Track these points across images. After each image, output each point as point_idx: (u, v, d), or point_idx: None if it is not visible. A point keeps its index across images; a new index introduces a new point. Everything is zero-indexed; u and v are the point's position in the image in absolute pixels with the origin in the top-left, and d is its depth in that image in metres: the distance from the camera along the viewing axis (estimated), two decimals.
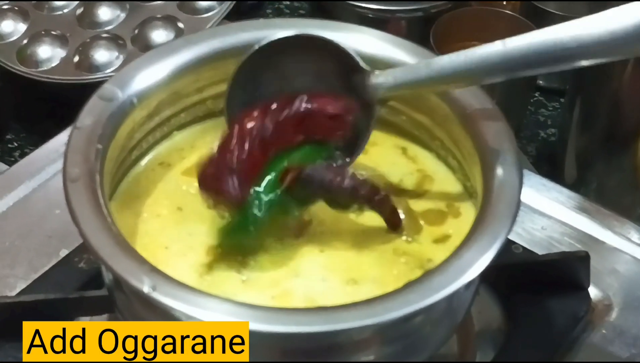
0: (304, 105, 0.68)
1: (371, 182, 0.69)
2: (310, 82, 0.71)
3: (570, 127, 1.05)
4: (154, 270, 0.59)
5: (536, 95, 1.20)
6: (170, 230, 0.70)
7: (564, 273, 0.78)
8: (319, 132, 0.69)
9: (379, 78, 0.70)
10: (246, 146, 0.66)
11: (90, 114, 0.68)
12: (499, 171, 0.66)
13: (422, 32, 1.08)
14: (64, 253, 0.80)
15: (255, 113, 0.67)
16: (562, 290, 0.78)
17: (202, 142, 0.78)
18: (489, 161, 0.67)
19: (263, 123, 0.67)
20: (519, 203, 0.63)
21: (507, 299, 0.78)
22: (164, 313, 0.59)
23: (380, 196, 0.69)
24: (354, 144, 0.72)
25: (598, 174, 1.03)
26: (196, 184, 0.72)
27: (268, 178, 0.67)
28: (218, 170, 0.66)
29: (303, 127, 0.68)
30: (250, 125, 0.67)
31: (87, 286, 0.76)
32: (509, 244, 0.80)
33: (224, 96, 0.73)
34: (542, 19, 1.11)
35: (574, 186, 1.01)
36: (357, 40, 0.75)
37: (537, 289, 0.77)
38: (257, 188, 0.66)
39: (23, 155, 1.07)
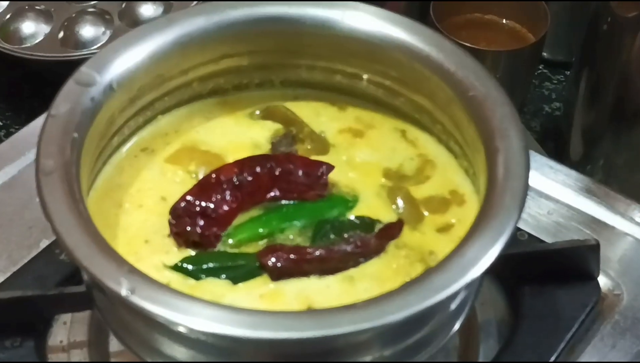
0: (279, 162, 0.69)
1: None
2: None
3: (576, 101, 1.02)
4: (133, 271, 0.55)
5: (540, 67, 1.17)
6: (153, 222, 0.67)
7: (573, 262, 0.75)
8: (294, 190, 0.69)
9: None
10: (220, 193, 0.67)
11: (65, 100, 0.64)
12: (504, 158, 0.62)
13: (422, 5, 1.05)
14: (44, 244, 0.77)
15: (233, 165, 0.69)
16: (571, 280, 0.75)
17: (187, 126, 0.75)
18: (493, 148, 0.63)
19: (239, 174, 0.68)
20: (525, 194, 0.60)
21: (512, 289, 0.76)
22: (145, 317, 0.55)
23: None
24: None
25: (605, 151, 1.00)
26: (181, 172, 0.71)
27: (241, 236, 0.67)
28: (190, 208, 0.66)
29: (278, 184, 0.69)
30: (227, 175, 0.68)
31: (68, 280, 0.73)
32: (513, 231, 0.77)
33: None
34: None
35: (580, 163, 1.00)
36: (353, 18, 0.72)
37: (543, 279, 0.75)
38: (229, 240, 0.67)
39: (9, 135, 1.05)
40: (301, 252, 0.64)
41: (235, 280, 0.64)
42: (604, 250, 0.75)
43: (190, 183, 0.69)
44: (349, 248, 0.65)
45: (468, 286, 0.58)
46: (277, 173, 0.68)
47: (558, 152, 1.04)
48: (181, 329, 0.56)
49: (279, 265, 0.63)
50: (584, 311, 0.73)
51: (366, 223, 0.68)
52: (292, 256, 0.64)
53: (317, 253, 0.64)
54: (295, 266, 0.63)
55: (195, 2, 1.06)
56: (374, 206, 0.69)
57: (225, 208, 0.67)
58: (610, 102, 0.97)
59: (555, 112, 1.12)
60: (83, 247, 0.56)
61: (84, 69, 0.66)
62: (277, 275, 0.63)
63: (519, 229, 0.79)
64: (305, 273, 0.64)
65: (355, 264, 0.65)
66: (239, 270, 0.64)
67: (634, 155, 0.98)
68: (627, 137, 0.97)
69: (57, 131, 0.62)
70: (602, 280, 0.76)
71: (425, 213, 0.69)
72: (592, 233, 0.80)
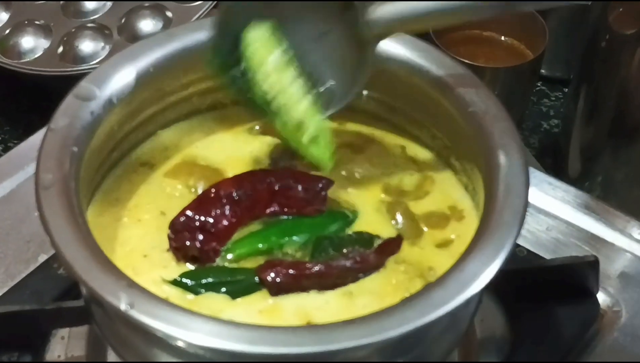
0: (279, 177, 0.69)
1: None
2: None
3: (575, 118, 1.02)
4: (132, 285, 0.55)
5: (538, 84, 1.17)
6: (152, 237, 0.67)
7: (572, 278, 0.75)
8: (293, 205, 0.69)
9: (376, 13, 0.65)
10: (220, 208, 0.66)
11: (65, 114, 0.64)
12: (504, 174, 0.62)
13: None
14: (42, 258, 0.77)
15: (233, 180, 0.69)
16: (570, 297, 0.75)
17: (187, 141, 0.75)
18: (492, 164, 0.63)
19: (238, 189, 0.67)
20: (525, 210, 0.60)
21: (511, 306, 0.75)
22: (144, 332, 0.55)
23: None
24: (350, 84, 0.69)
25: (604, 168, 1.00)
26: (180, 186, 0.71)
27: (240, 251, 0.67)
28: (189, 222, 0.66)
29: (277, 199, 0.68)
30: (226, 189, 0.67)
31: (66, 294, 0.73)
32: (513, 247, 0.77)
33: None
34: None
35: (578, 180, 0.99)
36: None
37: (542, 295, 0.74)
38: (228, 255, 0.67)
39: (7, 149, 1.04)
40: (300, 268, 0.64)
41: (234, 295, 0.63)
42: (603, 267, 0.75)
43: (189, 198, 0.69)
44: (348, 264, 0.65)
45: (467, 302, 0.58)
46: (276, 188, 0.68)
47: (556, 168, 1.04)
48: (180, 344, 0.55)
49: (278, 280, 0.63)
50: (583, 328, 0.73)
51: (365, 239, 0.67)
52: (291, 271, 0.63)
53: (316, 268, 0.64)
54: (295, 281, 0.63)
55: (195, 18, 1.06)
56: (373, 221, 0.69)
57: (225, 222, 0.66)
58: (608, 118, 0.97)
59: (553, 128, 1.12)
60: (82, 261, 0.56)
61: (83, 83, 0.66)
62: (276, 290, 0.63)
63: (517, 245, 0.78)
64: (304, 289, 0.63)
65: (355, 279, 0.65)
66: (238, 285, 0.64)
67: (633, 171, 0.97)
68: (625, 153, 0.96)
69: (57, 145, 0.62)
70: (601, 297, 0.76)
71: (425, 229, 0.69)
72: (591, 250, 0.80)
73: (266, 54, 0.67)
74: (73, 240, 0.57)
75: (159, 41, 0.70)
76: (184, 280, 0.64)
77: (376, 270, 0.65)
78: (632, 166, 0.97)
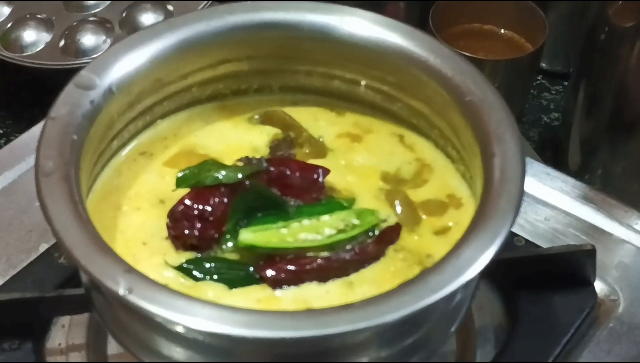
0: (276, 166, 0.68)
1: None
2: None
3: (575, 111, 1.02)
4: (131, 271, 0.55)
5: (538, 78, 1.17)
6: (151, 225, 0.67)
7: (569, 267, 0.75)
8: (291, 193, 0.68)
9: None
10: (218, 197, 0.66)
11: (65, 103, 0.64)
12: (500, 162, 0.62)
13: (422, 14, 1.05)
14: (43, 247, 0.77)
15: None
16: (567, 285, 0.75)
17: (186, 130, 0.75)
18: (489, 152, 0.63)
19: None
20: (521, 197, 0.60)
21: (509, 294, 0.75)
22: (143, 317, 0.55)
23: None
24: None
25: (603, 161, 1.00)
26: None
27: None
28: (188, 211, 0.65)
29: (275, 187, 0.68)
30: None
31: (67, 283, 0.73)
32: (511, 236, 0.76)
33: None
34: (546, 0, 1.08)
35: (578, 173, 0.99)
36: (351, 23, 0.72)
37: (540, 284, 0.74)
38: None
39: (9, 142, 1.02)
40: (300, 264, 0.63)
41: (233, 284, 0.63)
42: (601, 257, 0.75)
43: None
44: (347, 256, 0.65)
45: (464, 287, 0.58)
46: (273, 176, 0.68)
47: (556, 162, 1.04)
48: (179, 328, 0.56)
49: (278, 277, 0.63)
50: (580, 316, 0.73)
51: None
52: (290, 267, 0.63)
53: (316, 264, 0.64)
54: (295, 276, 0.63)
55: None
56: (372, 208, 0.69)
57: (223, 211, 0.66)
58: (608, 111, 0.97)
59: (553, 122, 1.12)
60: (81, 247, 0.56)
61: (84, 72, 0.66)
62: (277, 285, 0.63)
63: (516, 235, 0.79)
64: (304, 281, 0.63)
65: (356, 270, 0.65)
66: (237, 275, 0.64)
67: (632, 164, 0.97)
68: (624, 146, 0.97)
69: (57, 133, 0.62)
70: (599, 286, 0.76)
71: (423, 216, 0.69)
72: (589, 240, 0.80)
73: None
74: (73, 226, 0.57)
75: (159, 31, 0.70)
76: (186, 265, 0.64)
77: (376, 260, 0.66)
78: (631, 159, 0.97)
